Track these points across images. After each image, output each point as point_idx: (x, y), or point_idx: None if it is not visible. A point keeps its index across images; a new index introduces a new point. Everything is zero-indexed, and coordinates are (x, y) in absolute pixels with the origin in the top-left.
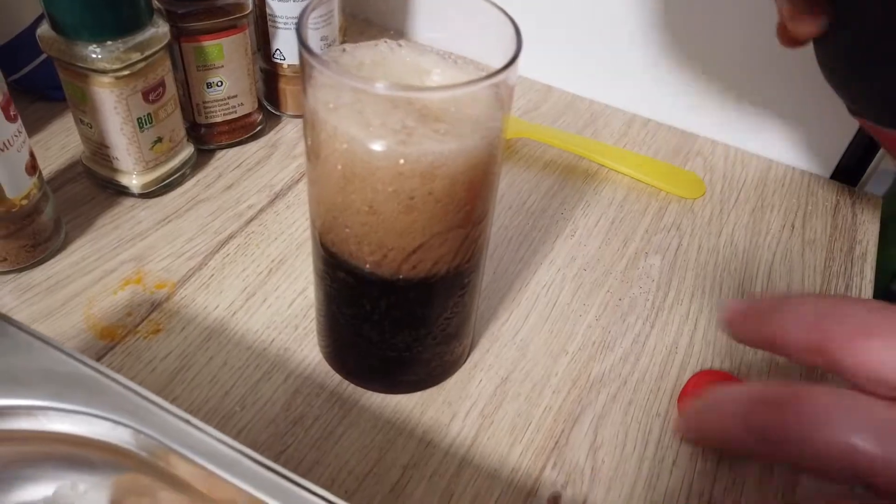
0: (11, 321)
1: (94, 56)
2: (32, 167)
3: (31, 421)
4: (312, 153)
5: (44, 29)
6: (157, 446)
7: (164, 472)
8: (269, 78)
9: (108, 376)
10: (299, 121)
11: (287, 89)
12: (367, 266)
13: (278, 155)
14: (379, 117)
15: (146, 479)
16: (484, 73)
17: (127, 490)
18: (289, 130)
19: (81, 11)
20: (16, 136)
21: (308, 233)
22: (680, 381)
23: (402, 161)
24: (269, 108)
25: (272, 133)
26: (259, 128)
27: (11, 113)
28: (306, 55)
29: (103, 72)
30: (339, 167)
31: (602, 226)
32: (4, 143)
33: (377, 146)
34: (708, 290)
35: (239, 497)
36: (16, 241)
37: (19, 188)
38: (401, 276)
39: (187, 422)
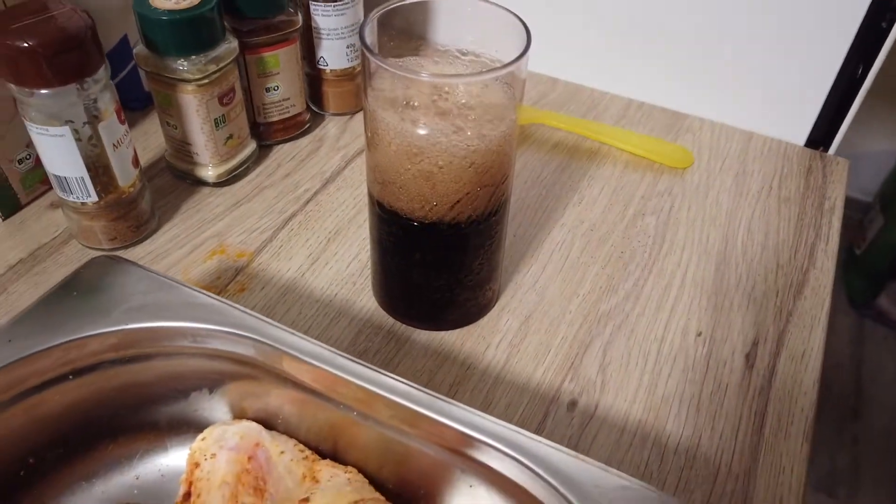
0: (152, 270)
1: (181, 68)
2: (136, 161)
3: (184, 339)
4: (371, 134)
5: (139, 48)
6: (272, 352)
7: (277, 373)
8: (314, 81)
9: (230, 305)
10: (341, 118)
11: (329, 91)
12: (417, 219)
13: (325, 147)
14: (424, 107)
15: (258, 385)
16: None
17: (244, 394)
18: (332, 126)
19: (172, 34)
20: (125, 135)
21: (356, 209)
22: (673, 314)
23: (445, 143)
24: (314, 108)
25: (318, 129)
26: (307, 125)
27: (122, 117)
28: (368, 55)
29: (188, 81)
30: (393, 147)
31: (605, 193)
32: (118, 141)
33: (423, 131)
34: (696, 242)
35: (337, 386)
36: (124, 222)
37: (128, 178)
38: (444, 226)
39: (293, 333)
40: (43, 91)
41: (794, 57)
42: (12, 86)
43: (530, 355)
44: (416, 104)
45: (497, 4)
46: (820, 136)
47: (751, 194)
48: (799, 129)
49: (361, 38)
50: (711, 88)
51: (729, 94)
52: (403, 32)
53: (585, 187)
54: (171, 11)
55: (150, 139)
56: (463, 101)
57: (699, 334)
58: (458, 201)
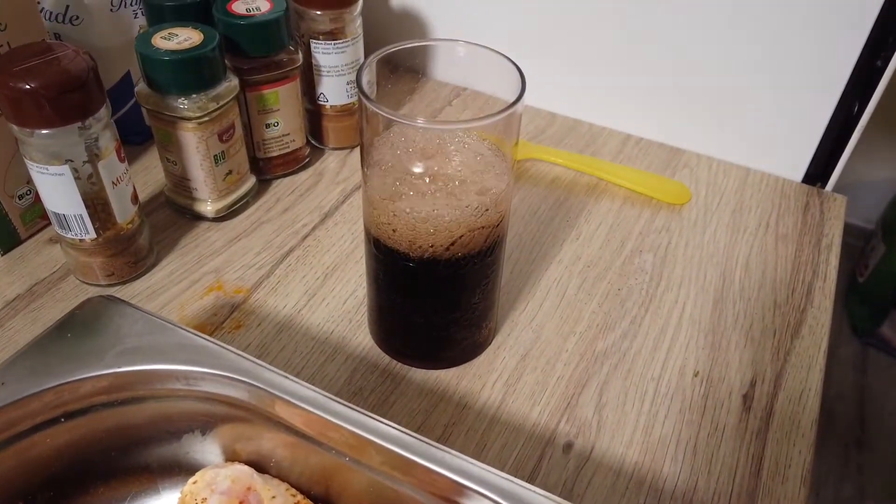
0: (147, 311)
1: (181, 107)
2: (135, 197)
3: (177, 382)
4: (367, 176)
5: (141, 87)
6: (266, 396)
7: (269, 417)
8: (314, 117)
9: (224, 347)
10: (340, 152)
11: (329, 126)
12: (413, 258)
13: (324, 182)
14: (419, 151)
15: (251, 428)
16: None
17: (236, 437)
18: (331, 161)
19: (173, 73)
20: (124, 173)
21: (354, 244)
22: (671, 352)
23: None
24: (313, 142)
25: (318, 163)
26: (307, 160)
27: (122, 155)
28: (365, 101)
29: (188, 119)
30: (392, 186)
31: (602, 230)
32: (118, 179)
33: (419, 169)
34: (694, 279)
35: (329, 431)
36: (122, 258)
37: (126, 214)
38: (440, 265)
39: (286, 377)
40: (44, 131)
41: (791, 94)
42: (14, 126)
43: (526, 395)
44: (412, 151)
45: (492, 49)
46: (817, 172)
47: (748, 231)
48: (796, 166)
49: (358, 83)
50: (709, 124)
51: (726, 130)
52: (402, 73)
53: (583, 223)
54: (172, 51)
55: (149, 174)
56: (458, 161)
57: (696, 374)
58: (454, 242)
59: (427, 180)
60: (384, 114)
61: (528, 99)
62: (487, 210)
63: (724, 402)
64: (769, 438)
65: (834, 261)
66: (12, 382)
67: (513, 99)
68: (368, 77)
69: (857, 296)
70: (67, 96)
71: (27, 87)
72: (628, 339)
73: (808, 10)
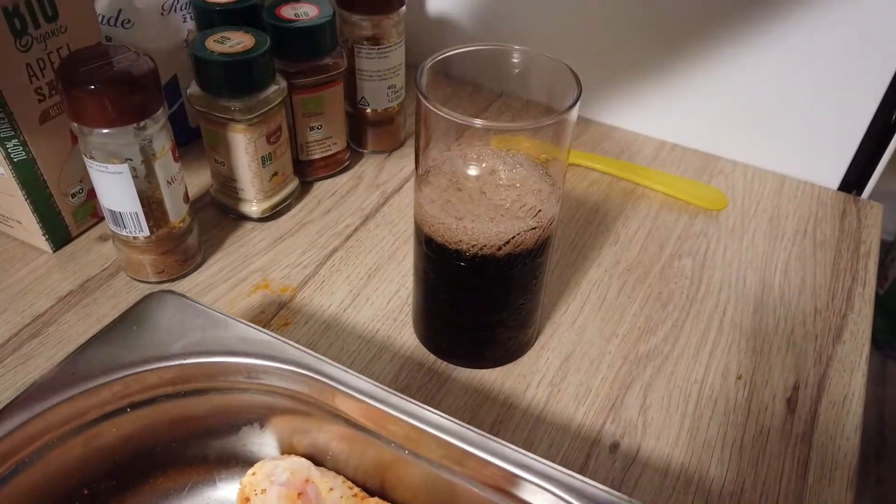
0: (208, 306)
1: (232, 109)
2: (187, 197)
3: (240, 375)
4: (422, 175)
5: (193, 88)
6: (325, 388)
7: (328, 410)
8: (354, 121)
9: (284, 341)
10: (378, 156)
11: (369, 130)
12: (465, 258)
13: (364, 184)
14: (474, 152)
15: (309, 421)
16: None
17: (294, 430)
18: (370, 164)
19: (226, 76)
20: (178, 172)
21: (395, 245)
22: (713, 356)
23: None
24: (353, 146)
25: (357, 167)
26: (347, 162)
27: (176, 155)
28: (424, 102)
29: (238, 121)
30: (445, 186)
31: (640, 234)
32: (172, 178)
33: (473, 171)
34: (733, 284)
35: (388, 424)
36: (172, 256)
37: (178, 213)
38: (491, 265)
39: (346, 371)
40: (105, 130)
41: (827, 102)
42: (75, 124)
43: (571, 395)
44: (467, 152)
45: (548, 56)
46: (853, 180)
47: (786, 237)
48: (832, 173)
49: (418, 85)
50: (744, 131)
51: (762, 137)
52: (441, 77)
53: (621, 227)
54: (225, 54)
55: (192, 174)
56: (511, 163)
57: (739, 377)
58: (506, 242)
59: (481, 181)
60: (444, 115)
61: (561, 103)
62: (540, 211)
63: (769, 405)
64: (814, 442)
65: (873, 267)
66: (83, 372)
67: (557, 102)
68: (425, 83)
69: (877, 307)
70: (128, 97)
71: (91, 87)
72: (670, 342)
73: (847, 18)
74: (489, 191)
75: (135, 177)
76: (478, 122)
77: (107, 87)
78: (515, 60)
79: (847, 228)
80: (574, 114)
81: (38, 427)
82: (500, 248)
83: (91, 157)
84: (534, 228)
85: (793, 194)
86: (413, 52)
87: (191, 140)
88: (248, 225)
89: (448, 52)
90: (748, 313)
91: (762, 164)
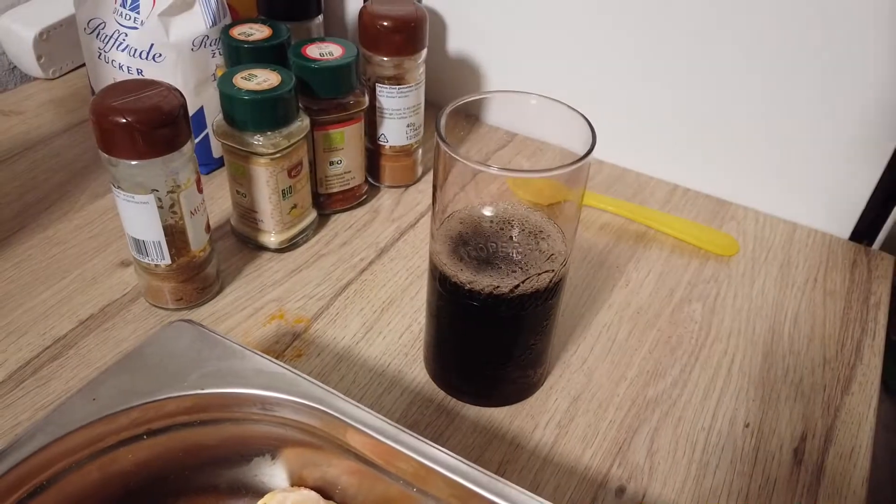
0: (226, 337)
1: (256, 143)
2: (208, 227)
3: (254, 406)
4: (438, 214)
5: (219, 122)
6: (338, 423)
7: (339, 444)
8: (373, 156)
9: (299, 375)
10: (396, 190)
11: (386, 165)
12: (479, 299)
13: (380, 218)
14: (491, 195)
15: (319, 454)
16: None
17: (304, 462)
18: (387, 199)
19: (252, 111)
20: (201, 203)
21: (409, 280)
22: (721, 403)
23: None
24: (370, 180)
25: (374, 200)
26: (364, 196)
27: (200, 186)
28: (443, 147)
29: (262, 154)
30: (461, 226)
31: (651, 277)
32: (195, 209)
33: (489, 213)
34: (743, 331)
35: (398, 461)
36: (191, 284)
37: (200, 243)
38: (503, 306)
39: (359, 406)
40: (134, 162)
41: (839, 152)
42: (105, 155)
43: (578, 437)
44: (483, 194)
45: (563, 103)
46: (864, 230)
47: (796, 286)
48: (843, 223)
49: (438, 130)
50: (756, 178)
51: (774, 184)
52: (459, 117)
53: (632, 270)
54: (252, 91)
55: (212, 203)
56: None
57: (747, 425)
58: (519, 284)
59: (496, 224)
60: (461, 160)
61: (577, 149)
62: (553, 254)
63: (776, 455)
64: (820, 494)
65: (882, 319)
66: (103, 398)
67: (572, 145)
68: (445, 124)
69: (890, 353)
70: (158, 131)
71: (123, 120)
72: (678, 387)
73: (859, 69)
74: (503, 234)
75: (160, 207)
76: (494, 169)
77: (137, 121)
78: (531, 105)
79: (857, 279)
80: (588, 162)
81: (58, 451)
82: (512, 290)
83: (118, 187)
84: (546, 272)
85: (804, 242)
86: (432, 92)
87: (213, 169)
88: (266, 255)
89: (468, 98)
90: (757, 361)
91: (774, 211)
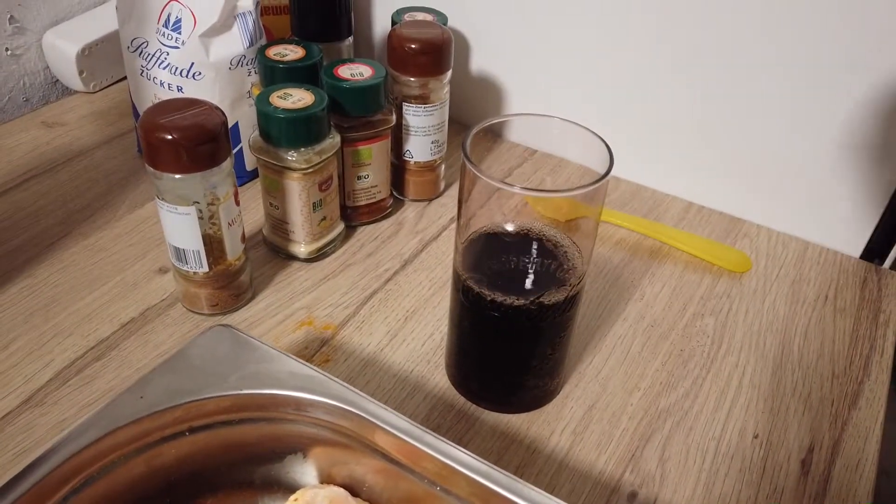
0: (262, 341)
1: (290, 158)
2: (243, 237)
3: (289, 407)
4: (462, 227)
5: (255, 138)
6: (367, 424)
7: (367, 444)
8: (397, 170)
9: (331, 378)
10: (419, 204)
11: (411, 180)
12: (500, 310)
13: (404, 231)
14: (512, 210)
15: (348, 453)
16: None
17: (334, 461)
18: (410, 211)
19: (287, 129)
20: (238, 215)
21: (431, 291)
22: (731, 414)
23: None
24: (395, 194)
25: (398, 213)
26: (389, 209)
27: (237, 199)
28: (469, 166)
29: (295, 169)
30: (484, 239)
31: (665, 292)
32: (233, 220)
33: (511, 228)
34: (753, 346)
35: (423, 461)
36: (226, 291)
37: (236, 252)
38: (523, 317)
39: (386, 409)
40: (177, 176)
41: (851, 171)
42: (151, 168)
43: (593, 444)
44: (505, 210)
45: (585, 127)
46: (875, 249)
47: (807, 303)
48: (855, 241)
49: (464, 150)
50: (770, 196)
51: (787, 202)
52: (481, 134)
53: (647, 284)
54: (287, 110)
55: (244, 214)
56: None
57: (756, 436)
58: (538, 296)
59: (518, 238)
60: (486, 179)
61: (593, 164)
62: (570, 269)
63: (783, 465)
64: (826, 503)
65: (892, 336)
66: (150, 396)
67: (590, 163)
68: (471, 145)
69: None
70: (201, 147)
71: (169, 137)
72: (690, 398)
73: (871, 90)
74: (524, 249)
75: (200, 218)
76: (516, 188)
77: (182, 138)
78: (553, 127)
79: (867, 297)
80: (605, 182)
81: (108, 444)
82: (531, 302)
83: (162, 199)
84: (564, 286)
85: (815, 260)
86: (455, 109)
87: (245, 182)
88: (296, 265)
89: (492, 120)
90: (767, 374)
91: (786, 229)
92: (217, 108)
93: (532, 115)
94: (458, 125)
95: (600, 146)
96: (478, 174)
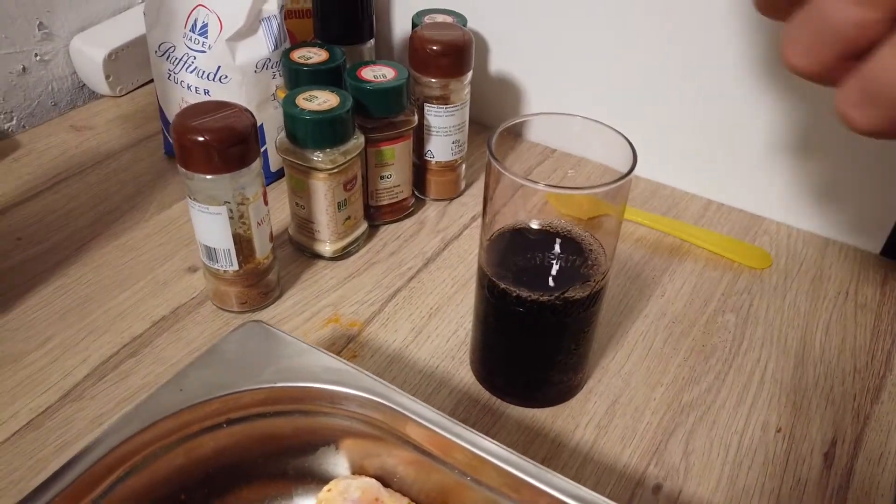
0: (295, 336)
1: (316, 159)
2: (271, 236)
3: (323, 400)
4: (488, 224)
5: (282, 139)
6: (398, 416)
7: (399, 436)
8: (419, 170)
9: (362, 372)
10: (440, 203)
11: (432, 179)
12: (525, 305)
13: (426, 230)
14: (536, 207)
15: (380, 445)
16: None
17: (366, 453)
18: (432, 211)
19: (313, 130)
20: (266, 214)
21: (454, 288)
22: (754, 408)
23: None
24: (417, 193)
25: (420, 213)
26: (411, 209)
27: (266, 199)
28: (494, 163)
29: (321, 170)
30: (509, 236)
31: (686, 289)
32: (261, 220)
33: (535, 225)
34: (775, 341)
35: (453, 451)
36: (255, 289)
37: (265, 251)
38: (548, 312)
39: (416, 401)
40: (209, 177)
41: (872, 169)
42: (183, 169)
43: (617, 438)
44: (529, 207)
45: (607, 125)
46: None
47: (828, 298)
48: (876, 238)
49: (489, 149)
50: (789, 193)
51: (807, 199)
52: (513, 133)
53: (667, 281)
54: (313, 112)
55: (275, 215)
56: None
57: (779, 430)
58: (563, 292)
59: (542, 235)
60: (511, 176)
61: (613, 163)
62: (594, 265)
63: (806, 458)
64: (849, 497)
65: None
66: (189, 389)
67: (612, 162)
68: (495, 144)
69: None
70: (232, 149)
71: (200, 139)
72: (713, 393)
73: None
74: (548, 245)
75: (230, 218)
76: (541, 186)
77: (213, 140)
78: (576, 126)
79: (889, 293)
80: (629, 180)
81: (150, 436)
82: (556, 298)
83: (194, 199)
84: (588, 282)
85: (835, 257)
86: (475, 108)
87: (270, 182)
88: (321, 263)
89: (515, 120)
90: (789, 369)
91: (806, 226)
92: (246, 109)
93: (554, 115)
94: (477, 125)
95: (623, 144)
96: (503, 171)
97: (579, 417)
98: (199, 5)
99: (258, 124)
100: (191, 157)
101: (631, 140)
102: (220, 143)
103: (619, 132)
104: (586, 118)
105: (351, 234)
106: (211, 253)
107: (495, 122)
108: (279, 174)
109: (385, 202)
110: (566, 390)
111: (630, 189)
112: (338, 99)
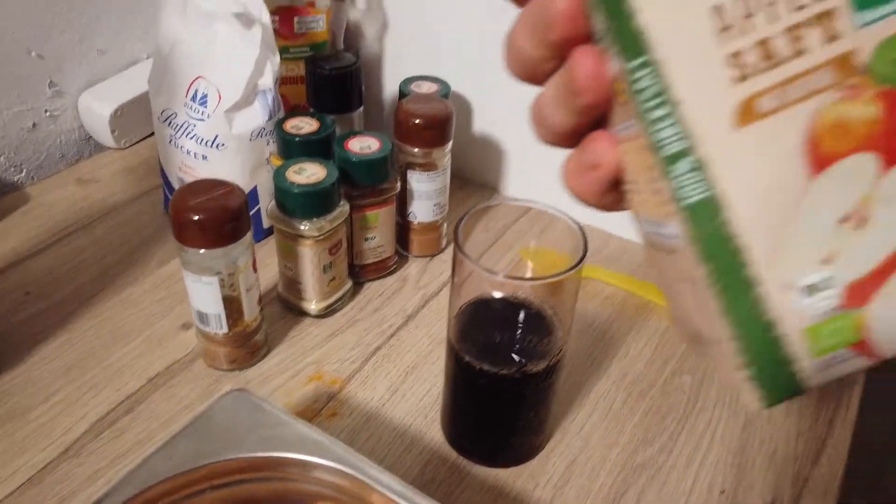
0: (273, 405)
1: (303, 228)
2: (260, 300)
3: (296, 467)
4: (455, 301)
5: (272, 208)
6: (366, 486)
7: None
8: (402, 229)
9: (335, 442)
10: (422, 259)
11: (415, 238)
12: (487, 377)
13: (408, 287)
14: (498, 286)
15: None
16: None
17: None
18: (414, 268)
19: (301, 202)
20: (256, 281)
21: (430, 347)
22: (702, 469)
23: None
24: (400, 250)
25: (402, 269)
26: (394, 266)
27: (255, 267)
28: (459, 254)
29: (307, 237)
30: (473, 310)
31: (647, 349)
32: (250, 286)
33: (498, 305)
34: (727, 402)
35: None
36: (243, 349)
37: (252, 314)
38: (509, 382)
39: (384, 472)
40: (202, 251)
41: None
42: (178, 243)
43: (573, 498)
44: (493, 285)
45: (562, 212)
46: None
47: None
48: None
49: (455, 238)
50: None
51: None
52: (491, 193)
53: (631, 341)
54: (301, 185)
55: (262, 269)
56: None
57: (723, 492)
58: (520, 368)
59: (503, 315)
60: (474, 265)
61: (585, 219)
62: (550, 345)
63: None
64: None
65: (856, 396)
66: (177, 457)
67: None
68: (462, 232)
69: None
70: (224, 226)
71: (196, 218)
72: (665, 453)
73: None
74: (510, 323)
75: (221, 286)
76: (498, 275)
77: (207, 219)
78: (531, 213)
79: None
80: (579, 271)
81: (142, 500)
82: (514, 373)
83: (188, 270)
84: (543, 358)
85: None
86: (457, 165)
87: (261, 238)
88: (307, 320)
89: (478, 207)
90: (737, 430)
91: None
92: (239, 188)
93: (517, 203)
94: (458, 179)
95: (576, 233)
96: (465, 258)
97: (539, 477)
98: (200, 77)
99: (252, 187)
100: (187, 234)
101: (583, 228)
102: (214, 222)
103: (573, 220)
104: (543, 207)
105: (336, 293)
106: (203, 317)
107: (476, 177)
108: (270, 231)
109: (369, 261)
110: (528, 451)
111: (596, 240)
112: (325, 171)
